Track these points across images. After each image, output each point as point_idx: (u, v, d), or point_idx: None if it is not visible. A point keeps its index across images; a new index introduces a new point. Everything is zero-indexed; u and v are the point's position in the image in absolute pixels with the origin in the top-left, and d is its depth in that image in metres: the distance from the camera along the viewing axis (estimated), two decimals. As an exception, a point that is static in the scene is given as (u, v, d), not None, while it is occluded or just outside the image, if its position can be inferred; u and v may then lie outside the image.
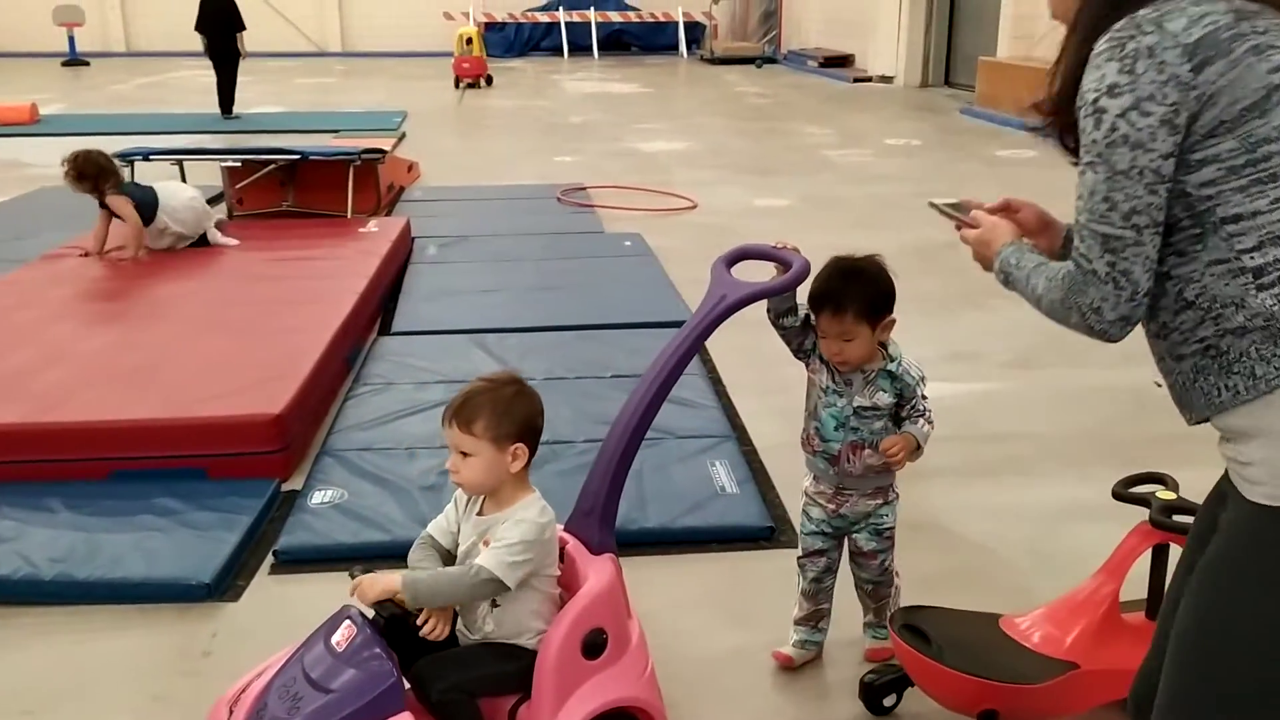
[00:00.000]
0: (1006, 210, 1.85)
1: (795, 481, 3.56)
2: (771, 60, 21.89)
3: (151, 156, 6.81)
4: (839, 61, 19.15)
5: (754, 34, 24.43)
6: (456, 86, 16.80)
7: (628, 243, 6.80)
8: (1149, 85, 1.39)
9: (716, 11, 24.26)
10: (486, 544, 2.04)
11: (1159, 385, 4.68)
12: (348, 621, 2.01)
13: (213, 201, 7.79)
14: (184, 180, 7.23)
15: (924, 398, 2.49)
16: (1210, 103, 1.39)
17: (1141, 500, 2.48)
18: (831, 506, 2.52)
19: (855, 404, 2.41)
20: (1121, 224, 1.46)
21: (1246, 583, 1.48)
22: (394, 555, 3.15)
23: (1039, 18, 13.06)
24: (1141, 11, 1.42)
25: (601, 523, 2.22)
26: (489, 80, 17.20)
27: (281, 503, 3.52)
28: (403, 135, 11.87)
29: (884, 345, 2.45)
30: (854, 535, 2.55)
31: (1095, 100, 1.44)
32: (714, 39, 24.00)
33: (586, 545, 2.21)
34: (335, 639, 2.00)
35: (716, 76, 19.42)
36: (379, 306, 5.43)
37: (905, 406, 2.46)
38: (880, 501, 2.53)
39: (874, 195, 8.66)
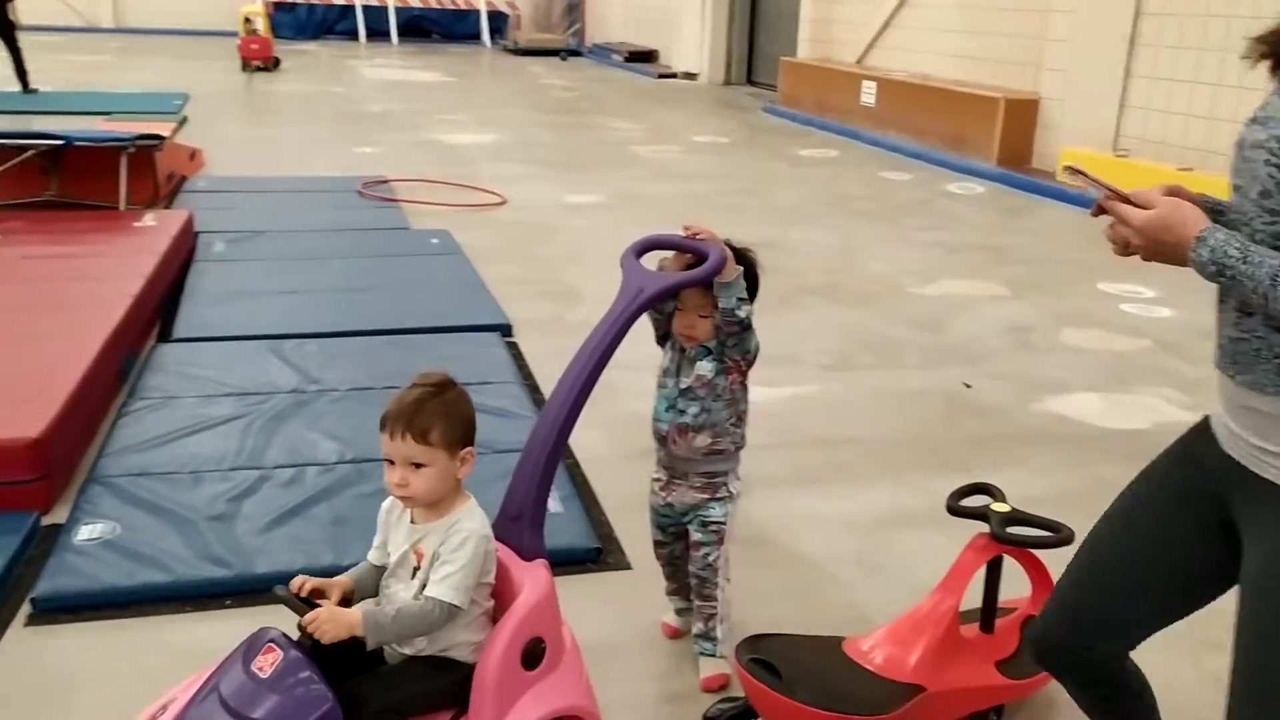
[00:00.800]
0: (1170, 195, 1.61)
1: (624, 497, 3.42)
2: (576, 53, 21.75)
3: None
4: (643, 57, 19.20)
5: (558, 26, 24.24)
6: (245, 69, 15.85)
7: (435, 240, 6.47)
8: None
9: (520, 1, 23.92)
10: (420, 555, 1.97)
11: (968, 386, 4.69)
12: (270, 644, 1.85)
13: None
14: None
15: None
16: None
17: (978, 514, 2.43)
18: (664, 495, 2.57)
19: (681, 385, 2.46)
20: None
21: None
22: (177, 598, 2.81)
23: (836, 22, 13.44)
24: None
25: (531, 527, 2.15)
26: (275, 63, 16.29)
27: (41, 540, 3.07)
28: (183, 120, 11.04)
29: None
30: (687, 527, 2.57)
31: None
32: (517, 29, 23.70)
33: (517, 552, 2.13)
34: (257, 664, 1.83)
35: (521, 68, 19.12)
36: (157, 310, 4.93)
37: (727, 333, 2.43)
38: (708, 496, 2.53)
39: (686, 193, 8.61)
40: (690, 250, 2.42)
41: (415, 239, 6.52)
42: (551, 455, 2.19)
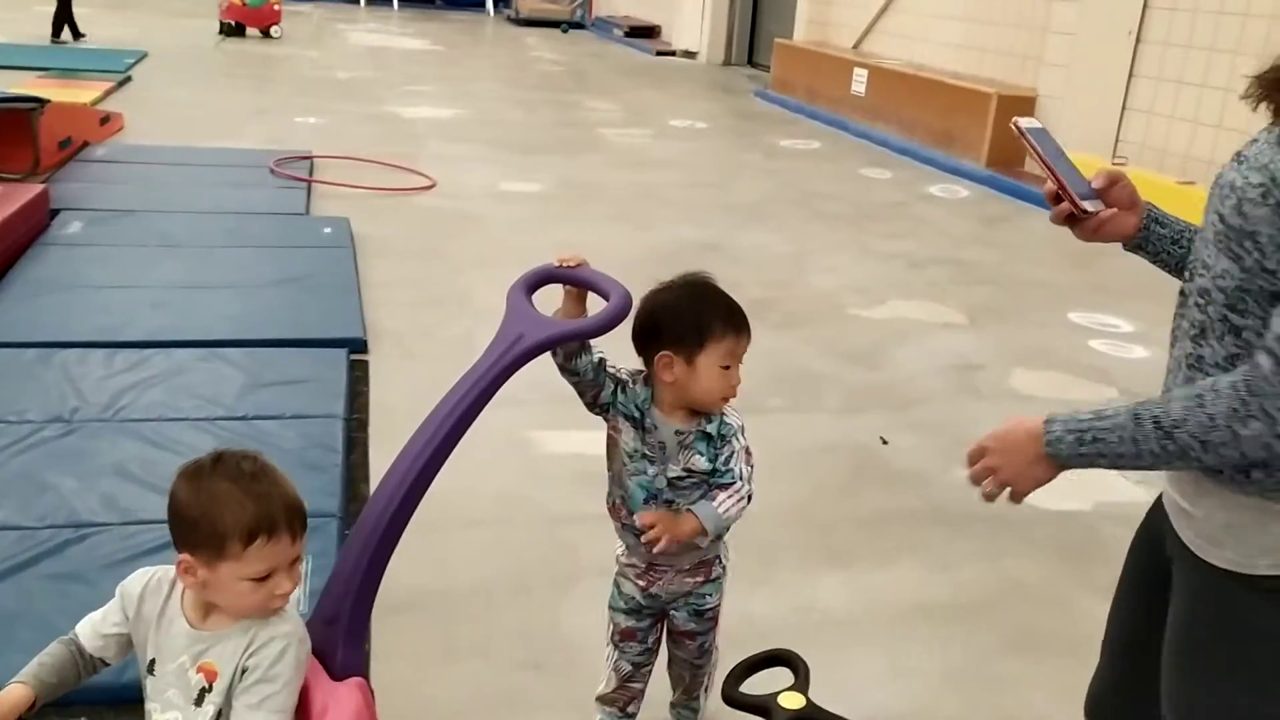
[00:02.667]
0: (1110, 185, 1.58)
1: (411, 590, 2.74)
2: (579, 25, 20.95)
3: None
4: (645, 32, 18.38)
5: (565, -4, 23.41)
6: (229, 33, 14.86)
7: (327, 230, 5.77)
8: None
9: (527, -30, 23.07)
10: (211, 674, 1.55)
11: (884, 442, 3.65)
12: None
13: None
14: None
15: (746, 451, 2.00)
16: None
17: (760, 708, 1.71)
18: (643, 583, 2.08)
19: (669, 474, 1.95)
20: None
21: (1215, 664, 1.41)
22: None
23: (834, 3, 12.59)
24: None
25: (348, 637, 1.71)
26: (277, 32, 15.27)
27: None
28: (125, 81, 10.38)
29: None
30: (671, 613, 2.13)
31: None
32: (523, -1, 22.90)
33: (327, 667, 1.68)
34: None
35: (518, 39, 18.35)
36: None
37: (716, 464, 1.98)
38: (701, 579, 2.09)
39: (639, 184, 7.87)
40: (591, 288, 1.93)
41: (305, 228, 5.82)
42: (382, 546, 1.75)
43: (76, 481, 3.02)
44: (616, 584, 2.14)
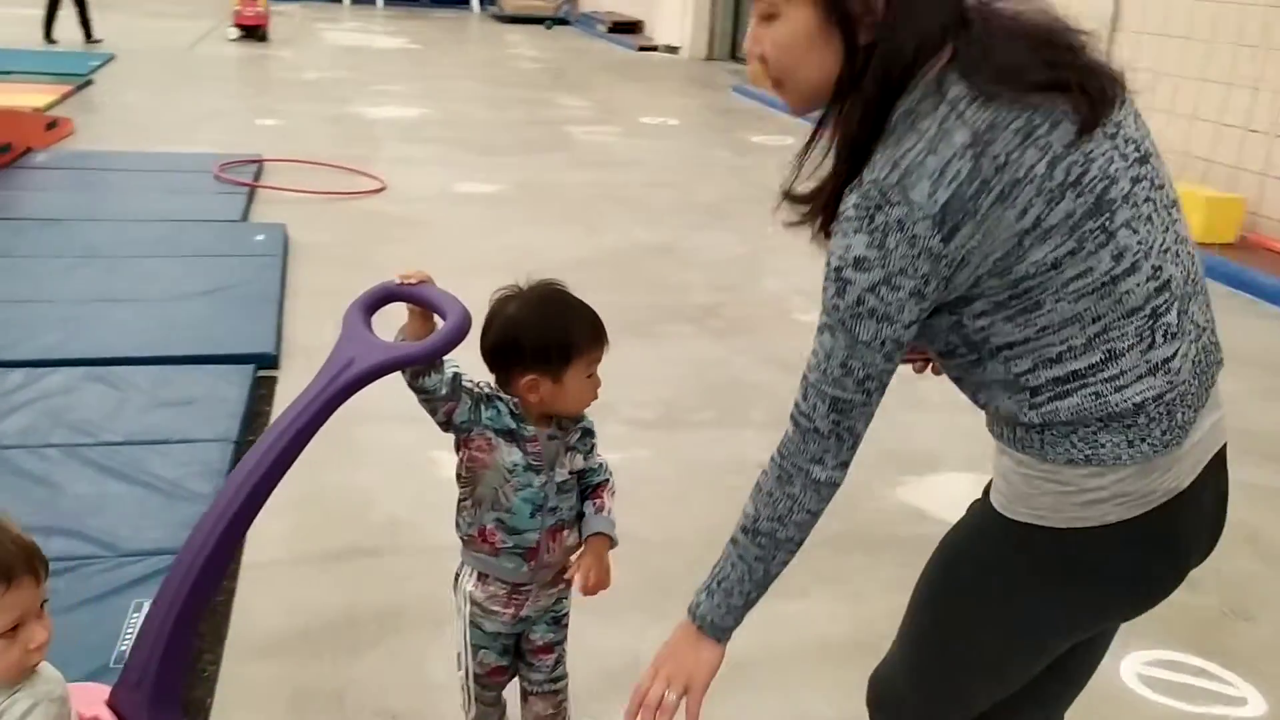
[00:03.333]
0: None
1: (277, 633, 2.56)
2: (564, 21, 20.73)
3: None
4: (628, 27, 18.16)
5: (552, -8, 23.18)
6: (246, 38, 14.47)
7: (260, 237, 5.58)
8: (900, 260, 1.26)
9: (513, -34, 22.84)
10: None
11: None
12: None
13: None
14: None
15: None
16: (963, 264, 1.27)
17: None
18: (510, 611, 1.93)
19: (558, 479, 1.87)
20: (855, 389, 1.37)
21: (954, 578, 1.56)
22: None
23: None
24: (884, 175, 1.25)
25: (155, 702, 1.60)
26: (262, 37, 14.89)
27: None
28: (86, 84, 10.20)
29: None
30: (529, 632, 2.00)
31: (840, 270, 1.30)
32: (510, -5, 22.66)
33: None
34: None
35: (499, 36, 18.16)
36: None
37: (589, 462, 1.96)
38: (563, 584, 1.97)
39: (599, 184, 7.66)
40: (430, 307, 1.80)
41: (237, 236, 5.62)
42: (191, 600, 1.62)
43: None
44: (476, 624, 1.95)
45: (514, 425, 1.82)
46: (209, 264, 5.08)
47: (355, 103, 10.36)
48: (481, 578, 1.91)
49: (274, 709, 2.38)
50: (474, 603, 1.93)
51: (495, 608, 1.92)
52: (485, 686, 2.02)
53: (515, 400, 1.82)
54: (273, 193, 6.72)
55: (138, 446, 3.25)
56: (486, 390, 1.84)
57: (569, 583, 1.94)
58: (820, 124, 1.37)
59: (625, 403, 4.05)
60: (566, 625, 2.04)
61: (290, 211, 6.32)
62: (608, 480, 1.97)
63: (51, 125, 7.76)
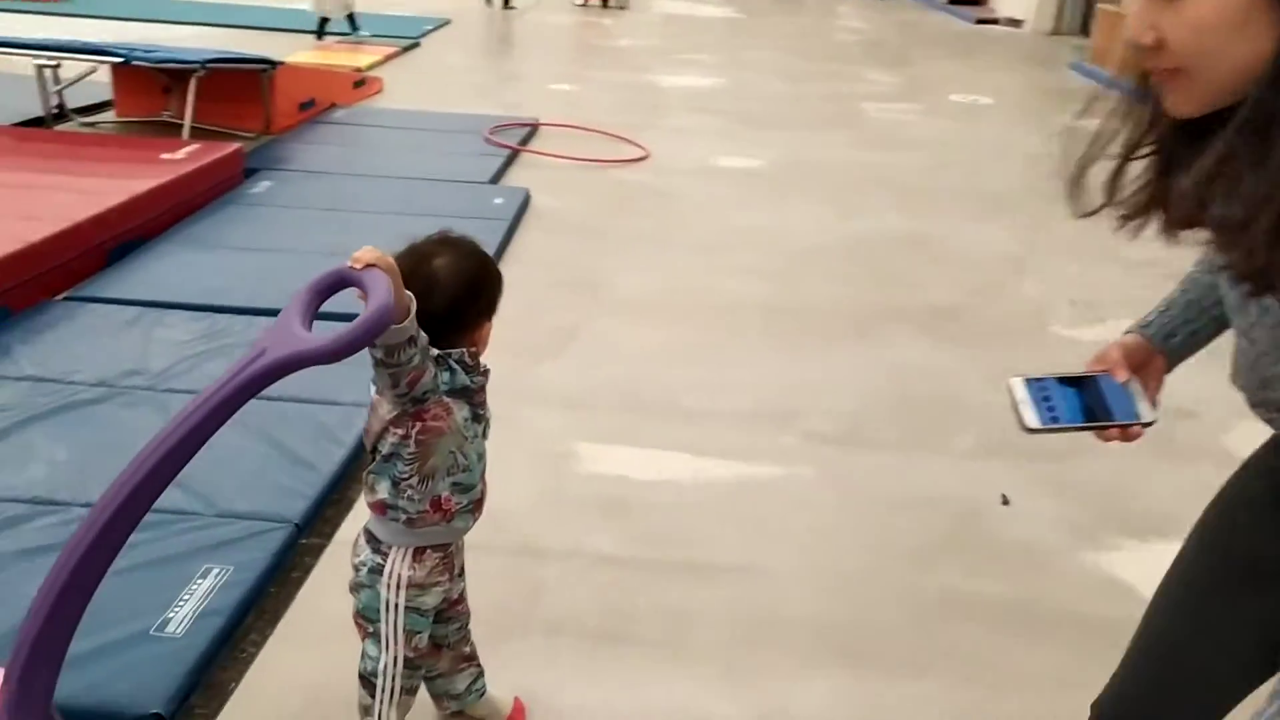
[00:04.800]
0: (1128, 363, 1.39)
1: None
2: (904, -8, 19.78)
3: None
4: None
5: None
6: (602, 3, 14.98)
7: (499, 200, 5.57)
8: None
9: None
10: None
11: (1005, 502, 3.16)
12: None
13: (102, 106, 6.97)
14: (57, 78, 6.36)
15: None
16: None
17: None
18: (447, 576, 1.89)
19: (489, 418, 1.87)
20: None
21: None
22: None
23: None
24: None
25: (19, 708, 1.49)
26: (621, 3, 15.28)
27: None
28: (413, 46, 10.79)
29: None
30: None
31: None
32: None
33: None
34: None
35: (831, 6, 17.58)
36: (106, 256, 4.38)
37: None
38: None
39: (872, 165, 7.11)
40: (363, 289, 1.57)
41: (479, 197, 5.63)
42: (61, 601, 1.48)
43: (67, 454, 2.95)
44: (413, 608, 1.86)
45: (468, 381, 1.76)
46: (437, 223, 5.06)
47: (654, 71, 10.29)
48: (417, 554, 1.83)
49: (292, 704, 2.24)
50: (411, 584, 1.84)
51: (435, 579, 1.86)
52: (413, 671, 1.93)
53: (466, 352, 1.76)
54: (534, 157, 6.75)
55: (303, 404, 3.23)
56: (436, 353, 1.72)
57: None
58: (1153, 104, 1.12)
59: (810, 410, 3.63)
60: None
61: (545, 176, 6.30)
62: None
63: (359, 84, 8.22)
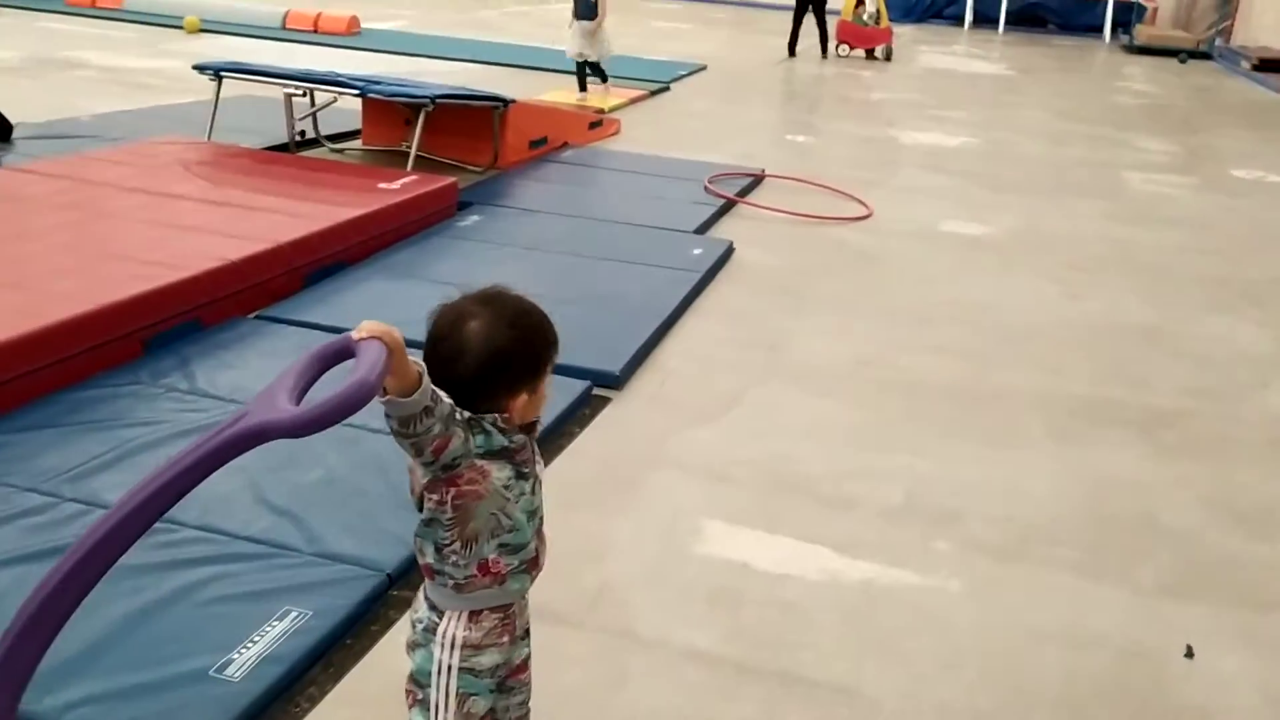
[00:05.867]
0: None
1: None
2: (1205, 56, 18.29)
3: (223, 73, 6.34)
4: (1277, 65, 15.48)
5: (1200, 22, 20.56)
6: (823, 54, 14.66)
7: (697, 251, 5.43)
8: None
9: (1162, -8, 20.67)
10: None
11: (1189, 655, 2.70)
12: None
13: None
14: (313, 100, 6.81)
15: None
16: None
17: None
18: (506, 638, 1.77)
19: (540, 476, 1.78)
20: None
21: None
22: None
23: None
24: None
25: None
26: (888, 54, 14.90)
27: None
28: (662, 90, 10.90)
29: None
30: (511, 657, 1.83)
31: None
32: (1150, 23, 20.51)
33: None
34: None
35: (1118, 67, 16.46)
36: (304, 279, 4.56)
37: None
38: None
39: (1119, 240, 6.48)
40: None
41: (676, 245, 5.51)
42: (9, 657, 1.46)
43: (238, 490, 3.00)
44: (468, 670, 1.74)
45: (506, 442, 1.67)
46: (630, 270, 5.04)
47: (899, 126, 9.91)
48: (473, 616, 1.73)
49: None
50: (466, 645, 1.74)
51: (493, 640, 1.75)
52: None
53: (499, 416, 1.66)
54: (751, 209, 6.58)
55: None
56: (468, 416, 1.65)
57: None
58: None
59: (975, 514, 3.26)
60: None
61: (757, 229, 6.13)
62: None
63: (595, 124, 8.34)
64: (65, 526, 2.72)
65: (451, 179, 5.87)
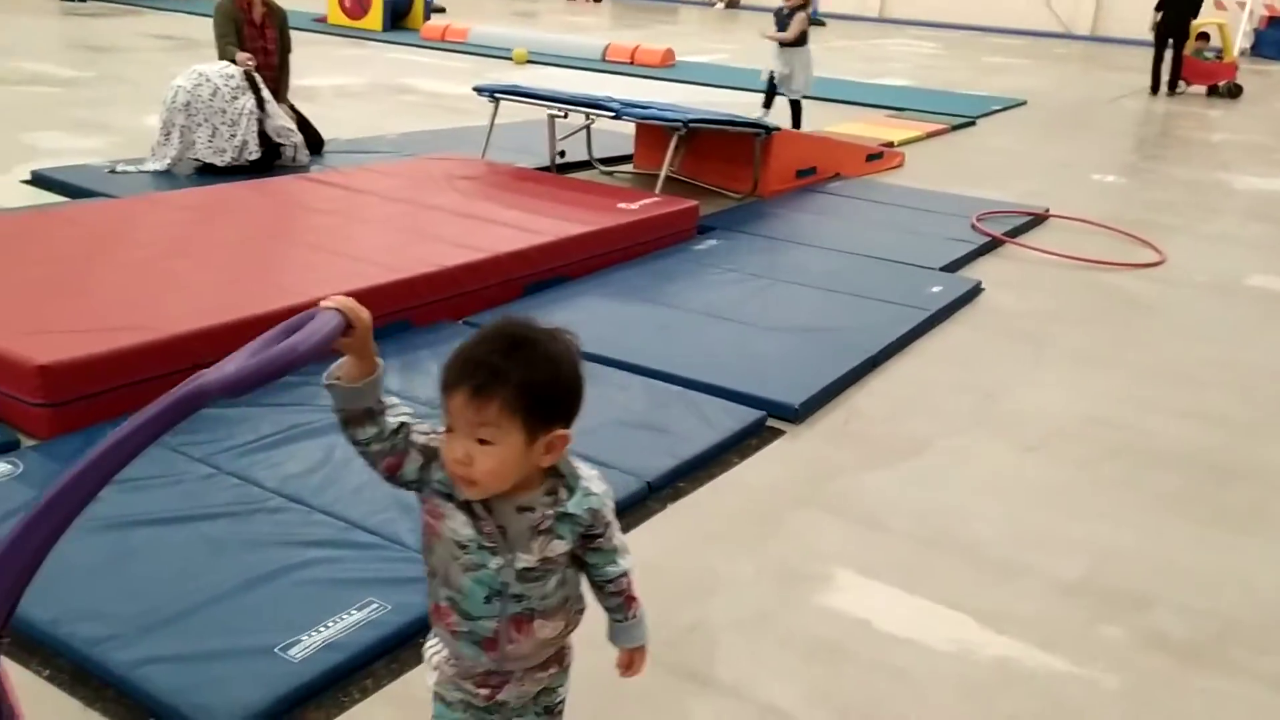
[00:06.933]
0: None
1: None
2: None
3: (497, 94, 6.64)
4: None
5: None
6: (1170, 91, 13.59)
7: (936, 289, 5.07)
8: None
9: None
10: None
11: None
12: None
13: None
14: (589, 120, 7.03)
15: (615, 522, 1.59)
16: None
17: None
18: (485, 692, 1.62)
19: (518, 565, 1.50)
20: None
21: None
22: None
23: None
24: None
25: None
26: (1233, 90, 13.60)
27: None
28: (966, 124, 10.39)
29: (558, 472, 1.51)
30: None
31: None
32: None
33: None
34: None
35: None
36: (511, 288, 4.65)
37: (589, 546, 1.57)
38: (555, 669, 1.66)
39: None
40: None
41: (914, 283, 5.13)
42: None
43: (319, 460, 3.11)
44: (439, 697, 1.66)
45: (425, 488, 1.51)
46: (850, 303, 4.79)
47: (1233, 169, 8.86)
48: (453, 656, 1.61)
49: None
50: (440, 676, 1.64)
51: (468, 687, 1.61)
52: None
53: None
54: (1020, 249, 6.07)
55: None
56: (423, 442, 1.50)
57: (564, 669, 1.68)
58: None
59: (1165, 601, 2.78)
60: (561, 712, 1.71)
61: (1020, 271, 5.66)
62: (626, 573, 1.61)
63: (874, 156, 8.05)
64: (210, 495, 2.90)
65: (692, 202, 5.85)
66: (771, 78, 9.12)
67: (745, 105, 9.70)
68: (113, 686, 2.24)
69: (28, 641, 2.33)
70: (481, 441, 1.40)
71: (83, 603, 2.42)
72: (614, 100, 6.38)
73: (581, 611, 1.64)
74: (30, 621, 2.33)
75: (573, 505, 1.51)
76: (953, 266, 5.59)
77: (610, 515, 1.56)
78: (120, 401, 3.25)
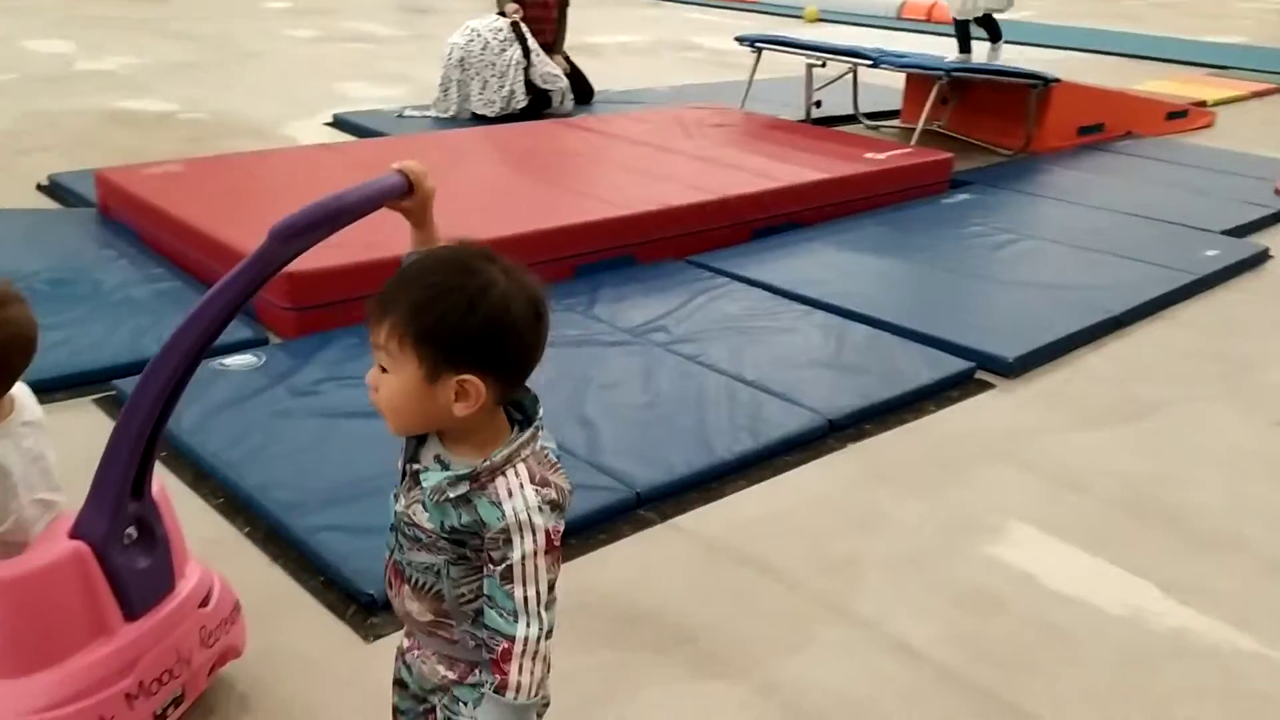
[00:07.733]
0: None
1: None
2: None
3: (759, 44, 6.58)
4: None
5: None
6: None
7: (1211, 252, 4.63)
8: None
9: None
10: None
11: None
12: None
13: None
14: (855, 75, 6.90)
15: (536, 564, 1.27)
16: None
17: None
18: (406, 643, 1.51)
19: (397, 506, 1.39)
20: None
21: None
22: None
23: None
24: None
25: (91, 500, 1.75)
26: None
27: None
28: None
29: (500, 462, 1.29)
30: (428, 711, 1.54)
31: None
32: None
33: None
34: None
35: None
36: (740, 231, 4.63)
37: (475, 564, 1.34)
38: (453, 676, 1.42)
39: None
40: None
41: (1189, 245, 4.68)
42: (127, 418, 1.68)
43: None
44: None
45: None
46: (1106, 262, 4.47)
47: None
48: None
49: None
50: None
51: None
52: None
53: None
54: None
55: (743, 386, 3.20)
56: None
57: (469, 684, 1.40)
58: None
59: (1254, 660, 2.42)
60: None
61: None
62: (511, 638, 1.27)
63: (1176, 115, 7.35)
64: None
65: (945, 154, 5.60)
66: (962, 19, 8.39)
67: (1033, 61, 9.12)
68: (295, 548, 2.48)
69: (236, 501, 2.63)
70: (384, 370, 1.28)
71: (285, 475, 2.69)
72: (872, 50, 6.20)
73: (470, 634, 1.37)
74: (240, 485, 2.64)
75: (431, 479, 1.30)
76: (1239, 231, 5.04)
77: (514, 554, 1.25)
78: (356, 310, 3.55)
